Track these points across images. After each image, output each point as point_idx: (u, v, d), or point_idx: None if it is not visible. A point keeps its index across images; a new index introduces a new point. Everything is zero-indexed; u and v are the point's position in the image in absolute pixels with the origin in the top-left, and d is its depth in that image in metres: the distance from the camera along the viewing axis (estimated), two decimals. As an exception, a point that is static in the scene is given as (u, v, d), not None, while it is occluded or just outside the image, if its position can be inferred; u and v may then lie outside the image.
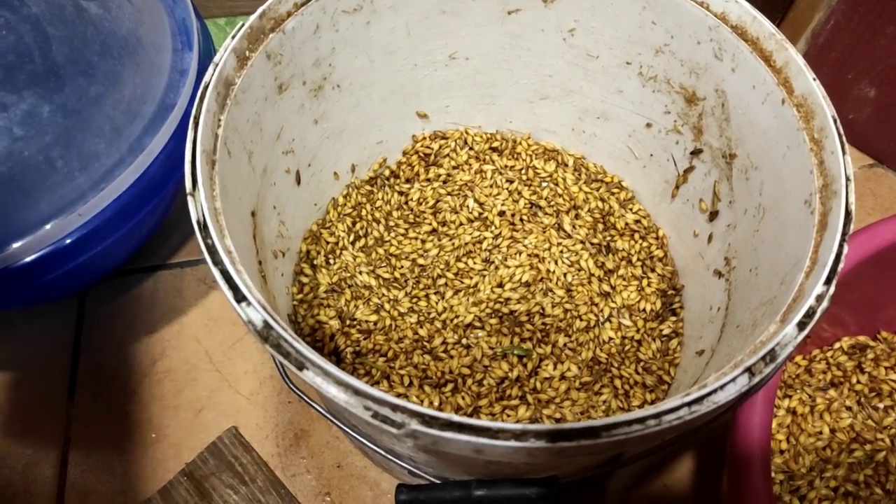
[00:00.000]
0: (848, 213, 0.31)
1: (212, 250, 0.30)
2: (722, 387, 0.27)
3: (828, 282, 0.30)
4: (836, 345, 0.48)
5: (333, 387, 0.28)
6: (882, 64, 0.59)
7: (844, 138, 0.33)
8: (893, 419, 0.44)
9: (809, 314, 0.29)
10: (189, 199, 0.31)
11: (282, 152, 0.43)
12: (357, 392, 0.27)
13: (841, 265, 0.30)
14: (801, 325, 0.29)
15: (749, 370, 0.28)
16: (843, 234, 0.31)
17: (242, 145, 0.37)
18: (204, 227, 0.30)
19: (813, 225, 0.33)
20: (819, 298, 0.30)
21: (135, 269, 0.57)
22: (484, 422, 0.26)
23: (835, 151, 0.33)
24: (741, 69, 0.40)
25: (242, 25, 0.37)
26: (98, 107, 0.41)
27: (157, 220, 0.51)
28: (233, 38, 0.36)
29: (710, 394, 0.27)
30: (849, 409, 0.45)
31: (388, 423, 0.27)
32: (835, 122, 0.34)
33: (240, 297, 0.29)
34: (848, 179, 0.32)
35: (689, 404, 0.27)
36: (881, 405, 0.45)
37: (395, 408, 0.26)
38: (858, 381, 0.46)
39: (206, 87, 0.34)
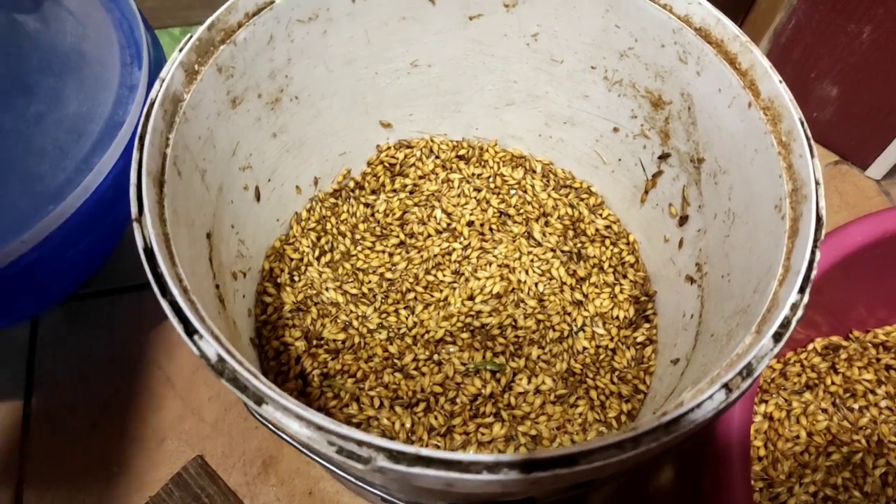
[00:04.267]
0: (819, 219, 0.31)
1: (160, 280, 0.28)
2: (699, 405, 0.27)
3: (801, 290, 0.29)
4: (810, 346, 0.48)
5: (294, 422, 0.26)
6: (843, 62, 0.60)
7: (812, 141, 0.33)
8: (868, 419, 0.44)
9: (785, 324, 0.29)
10: (135, 225, 0.29)
11: (238, 168, 0.42)
12: (320, 427, 0.25)
13: (814, 273, 0.30)
14: (777, 337, 0.28)
15: (726, 386, 0.27)
16: (815, 239, 0.30)
17: (194, 164, 0.35)
18: (150, 256, 0.28)
19: (784, 231, 0.32)
20: (794, 307, 0.29)
21: (90, 294, 0.55)
22: (454, 454, 0.24)
23: (803, 155, 0.33)
24: (706, 72, 0.39)
25: (190, 38, 0.35)
26: (39, 126, 0.38)
27: (112, 241, 0.49)
28: (180, 51, 0.34)
29: (687, 413, 0.26)
30: (825, 411, 0.44)
31: (354, 458, 0.25)
32: (802, 124, 0.33)
33: (191, 330, 0.27)
34: (818, 183, 0.32)
35: (665, 425, 0.26)
36: (856, 406, 0.45)
37: (360, 443, 0.25)
38: (833, 383, 0.46)
39: (151, 105, 0.32)
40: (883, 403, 0.45)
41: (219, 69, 0.36)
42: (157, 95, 0.32)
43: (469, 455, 0.25)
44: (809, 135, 0.33)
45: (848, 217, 0.63)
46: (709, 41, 0.38)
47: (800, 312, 0.29)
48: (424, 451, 0.25)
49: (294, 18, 0.40)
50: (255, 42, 0.38)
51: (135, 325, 0.54)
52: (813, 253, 0.30)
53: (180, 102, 0.34)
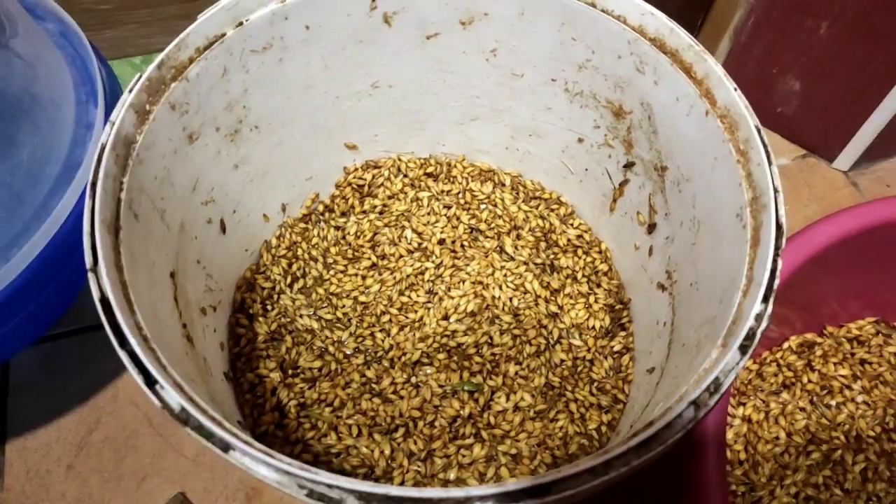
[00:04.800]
0: (779, 227, 0.31)
1: (116, 330, 0.27)
2: (669, 424, 0.26)
3: (765, 300, 0.29)
4: (785, 345, 0.48)
5: (263, 467, 0.26)
6: (804, 57, 0.60)
7: (770, 149, 0.33)
8: (846, 415, 0.45)
9: (750, 336, 0.29)
10: (90, 275, 0.29)
11: (201, 203, 0.41)
12: (287, 472, 0.25)
13: (777, 282, 0.30)
14: (743, 349, 0.28)
15: (695, 403, 0.27)
16: (776, 248, 0.31)
17: (152, 205, 0.35)
18: (107, 306, 0.28)
19: (746, 240, 0.32)
20: (758, 318, 0.29)
21: (61, 334, 0.54)
22: (424, 492, 0.24)
23: (761, 163, 0.33)
24: (663, 82, 0.39)
25: (140, 78, 0.34)
26: (-7, 175, 0.38)
27: (79, 281, 0.48)
28: (130, 91, 0.34)
29: (657, 433, 0.26)
30: (802, 409, 0.45)
31: (325, 500, 0.25)
32: (759, 132, 0.34)
33: (151, 381, 0.26)
34: (776, 191, 0.32)
35: (636, 448, 0.26)
36: (833, 402, 0.45)
37: (329, 486, 0.25)
38: (810, 380, 0.46)
39: (102, 150, 0.32)
40: (859, 398, 0.45)
41: (172, 107, 0.36)
42: (107, 139, 0.32)
43: (438, 491, 0.24)
44: (767, 142, 0.33)
45: (818, 209, 0.64)
46: (664, 51, 0.38)
47: (764, 323, 0.29)
48: (394, 491, 0.24)
49: (247, 49, 0.40)
50: (208, 76, 0.38)
51: (108, 364, 0.53)
52: (775, 262, 0.30)
53: (133, 144, 0.33)
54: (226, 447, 0.26)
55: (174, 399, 0.26)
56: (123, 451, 0.50)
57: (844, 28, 0.56)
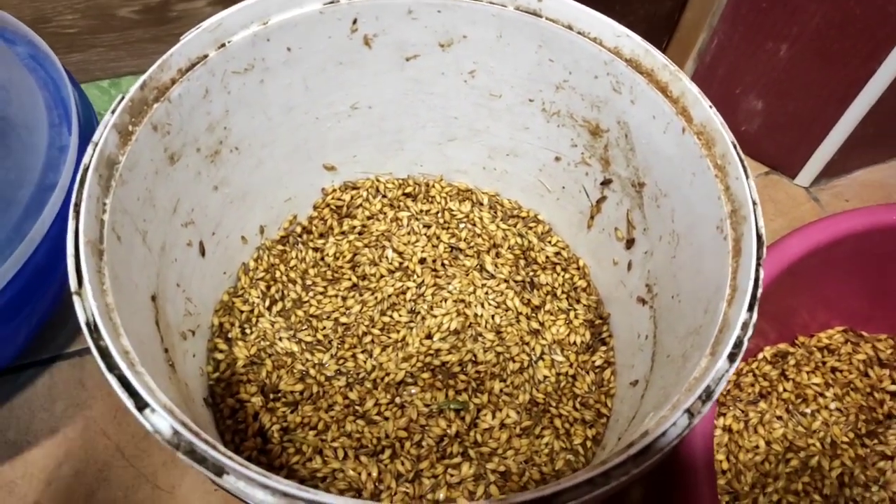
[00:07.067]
0: (759, 238, 0.32)
1: (105, 354, 0.27)
2: (664, 433, 0.27)
3: (750, 308, 0.30)
4: (760, 355, 0.49)
5: (259, 491, 0.25)
6: (766, 77, 0.63)
7: (746, 163, 0.34)
8: (820, 422, 0.46)
9: (738, 344, 0.29)
10: (75, 298, 0.28)
11: (181, 225, 0.40)
12: (286, 494, 0.25)
13: (760, 290, 0.31)
14: (732, 357, 0.29)
15: (688, 411, 0.27)
16: (758, 258, 0.32)
17: (134, 226, 0.34)
18: (94, 329, 0.27)
19: (728, 251, 0.33)
20: (745, 326, 0.30)
21: (27, 364, 0.52)
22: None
23: (739, 177, 0.34)
24: (640, 101, 0.40)
25: (122, 98, 0.34)
26: (-36, 198, 0.37)
27: (48, 309, 0.46)
28: (112, 112, 0.33)
29: (653, 441, 0.27)
30: (779, 418, 0.46)
31: (324, 522, 0.25)
32: (735, 148, 0.35)
33: (142, 405, 0.26)
34: (755, 203, 0.33)
35: (634, 457, 0.26)
36: (808, 410, 0.46)
37: (329, 507, 0.24)
38: (785, 390, 0.47)
39: (85, 171, 0.31)
40: (832, 405, 0.47)
41: (154, 128, 0.35)
42: (90, 160, 0.31)
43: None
44: (743, 157, 0.34)
45: (783, 224, 0.66)
46: (640, 71, 0.40)
47: (750, 331, 0.30)
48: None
49: (229, 70, 0.40)
50: (190, 97, 0.38)
51: (77, 394, 0.51)
52: (757, 271, 0.31)
53: (116, 165, 0.33)
54: (219, 471, 0.26)
55: (165, 423, 0.26)
56: (94, 484, 0.48)
57: (803, 50, 0.58)
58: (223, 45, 0.38)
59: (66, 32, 0.64)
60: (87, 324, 0.27)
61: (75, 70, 0.66)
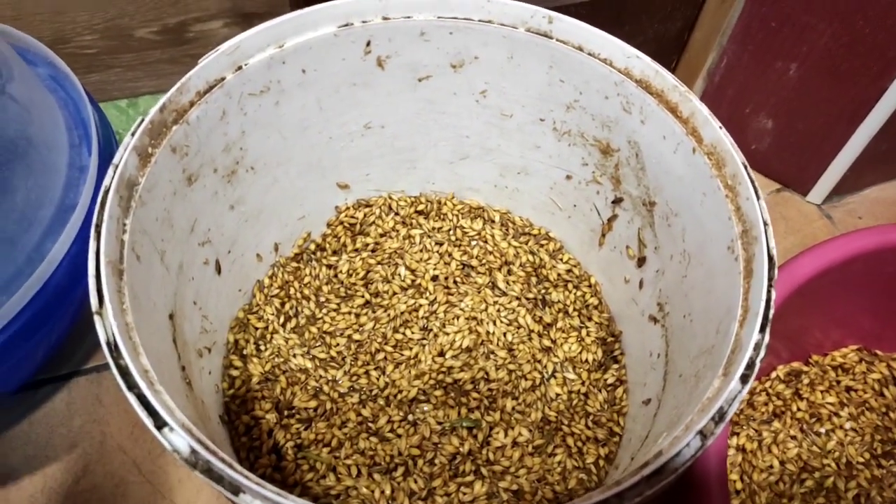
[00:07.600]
0: (771, 259, 0.32)
1: (125, 373, 0.27)
2: (678, 453, 0.27)
3: (762, 329, 0.30)
4: (773, 374, 0.49)
5: (275, 510, 0.25)
6: (775, 97, 0.63)
7: (757, 184, 0.34)
8: (835, 443, 0.45)
9: (750, 366, 0.29)
10: (95, 318, 0.28)
11: (198, 244, 0.41)
12: (302, 513, 0.25)
13: (772, 311, 0.31)
14: (744, 379, 0.29)
15: (701, 433, 0.28)
16: (770, 279, 0.32)
17: (153, 246, 0.35)
18: (115, 349, 0.28)
19: (739, 271, 0.33)
20: (757, 347, 0.30)
21: (45, 380, 0.53)
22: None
23: (750, 198, 0.34)
24: (650, 121, 0.41)
25: (142, 121, 0.35)
26: (-14, 219, 0.37)
27: (67, 327, 0.47)
28: (132, 135, 0.34)
29: (667, 463, 0.27)
30: (794, 438, 0.45)
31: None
32: (746, 168, 0.35)
33: (160, 424, 0.26)
34: (766, 224, 0.33)
35: (647, 478, 0.26)
36: (822, 430, 0.46)
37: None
38: (799, 409, 0.47)
39: (106, 192, 0.32)
40: (847, 425, 0.46)
41: (173, 149, 0.36)
42: (111, 182, 0.32)
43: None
44: (753, 178, 0.35)
45: (795, 241, 0.66)
46: (650, 92, 0.40)
47: (762, 352, 0.30)
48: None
49: (246, 93, 0.40)
50: (207, 119, 0.38)
51: (94, 410, 0.52)
52: (769, 292, 0.31)
53: (135, 186, 0.34)
54: (236, 490, 0.26)
55: (184, 442, 0.26)
56: (111, 499, 0.48)
57: (812, 69, 0.59)
58: (240, 68, 0.39)
59: (85, 53, 0.66)
60: (108, 343, 0.28)
61: (94, 90, 0.68)
